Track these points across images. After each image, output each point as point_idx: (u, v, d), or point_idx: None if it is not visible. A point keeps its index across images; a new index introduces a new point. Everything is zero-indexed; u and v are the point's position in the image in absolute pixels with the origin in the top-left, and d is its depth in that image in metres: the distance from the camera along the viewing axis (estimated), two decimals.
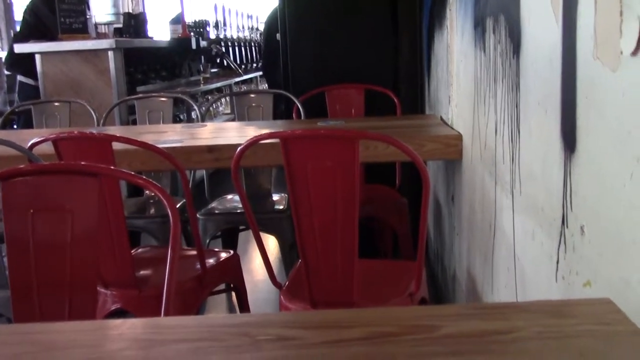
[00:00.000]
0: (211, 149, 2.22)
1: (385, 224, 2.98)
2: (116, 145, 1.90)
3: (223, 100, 6.16)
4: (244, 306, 2.27)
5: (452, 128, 2.43)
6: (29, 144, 1.97)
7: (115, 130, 2.96)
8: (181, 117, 4.70)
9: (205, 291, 2.10)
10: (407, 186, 2.99)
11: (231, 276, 2.24)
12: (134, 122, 4.13)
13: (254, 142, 1.72)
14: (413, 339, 0.69)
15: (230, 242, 3.09)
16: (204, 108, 4.02)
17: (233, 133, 2.84)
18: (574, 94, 1.05)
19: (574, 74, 1.06)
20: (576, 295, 1.02)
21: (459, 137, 2.26)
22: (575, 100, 1.05)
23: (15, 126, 4.53)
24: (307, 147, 1.64)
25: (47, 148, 1.95)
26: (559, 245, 1.10)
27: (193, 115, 4.65)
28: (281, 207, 2.86)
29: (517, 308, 0.77)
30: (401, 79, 3.51)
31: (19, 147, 1.89)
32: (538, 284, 1.27)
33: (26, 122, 4.06)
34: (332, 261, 1.70)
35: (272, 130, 2.48)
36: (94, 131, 2.51)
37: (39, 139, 1.95)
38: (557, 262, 1.12)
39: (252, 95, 3.33)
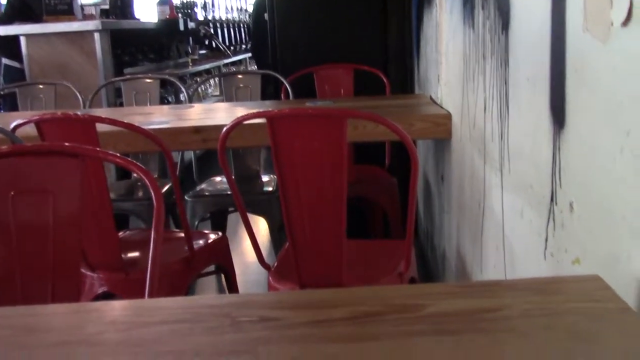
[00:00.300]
0: (198, 129, 2.19)
1: (375, 204, 2.96)
2: (101, 127, 1.87)
3: (212, 81, 6.11)
4: (232, 288, 2.26)
5: (442, 107, 2.41)
6: (12, 126, 1.94)
7: (101, 112, 2.92)
8: (169, 99, 4.65)
9: (193, 273, 2.08)
10: (397, 166, 2.97)
11: (220, 258, 2.22)
12: (121, 105, 4.08)
13: (239, 122, 1.70)
14: (398, 318, 0.67)
15: (220, 224, 3.07)
16: (192, 90, 3.98)
17: (221, 114, 2.81)
18: (564, 68, 1.03)
19: (563, 48, 1.04)
20: (565, 272, 1.01)
21: (448, 116, 2.24)
22: (565, 74, 1.03)
23: (0, 109, 4.47)
24: (293, 127, 1.61)
25: (31, 130, 1.91)
26: (548, 223, 1.09)
27: (181, 97, 4.60)
28: (270, 188, 2.83)
29: (505, 286, 0.75)
30: (390, 58, 3.48)
31: (0, 129, 1.85)
32: (527, 262, 1.26)
33: (11, 105, 4.00)
34: (320, 242, 1.69)
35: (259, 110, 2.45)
36: (79, 113, 2.47)
37: (22, 121, 1.92)
38: (546, 240, 1.11)
39: (240, 76, 3.29)
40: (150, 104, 3.21)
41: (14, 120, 1.98)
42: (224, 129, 1.70)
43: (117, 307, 0.79)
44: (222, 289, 2.88)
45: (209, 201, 2.77)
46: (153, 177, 1.23)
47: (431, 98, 2.71)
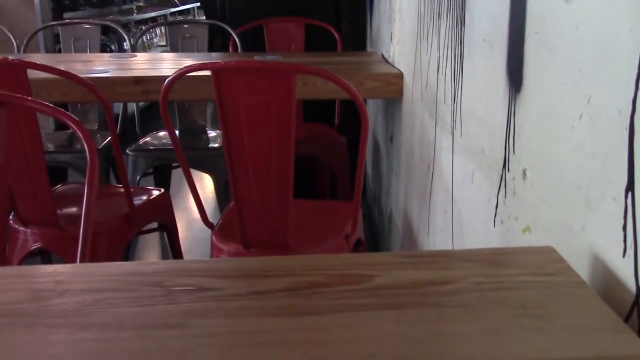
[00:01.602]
0: (138, 80, 2.08)
1: (323, 163, 2.92)
2: (35, 74, 1.75)
3: (158, 31, 5.89)
4: (175, 246, 2.19)
5: (393, 66, 2.36)
6: None
7: (37, 57, 2.75)
8: (112, 47, 4.46)
9: (133, 231, 2.00)
10: (346, 125, 2.92)
11: (162, 215, 2.14)
12: (59, 51, 3.88)
13: (182, 74, 1.61)
14: (342, 290, 0.63)
15: (163, 180, 2.98)
16: (135, 38, 3.80)
17: (165, 65, 2.68)
18: (523, 29, 0.99)
19: (523, 7, 0.99)
20: (515, 240, 0.99)
21: (399, 76, 2.19)
22: (524, 35, 0.99)
23: None
24: (240, 80, 1.54)
25: None
26: (499, 189, 1.06)
27: (125, 46, 4.41)
28: (216, 144, 2.75)
29: (456, 256, 0.71)
30: (342, 14, 3.39)
31: None
32: (475, 228, 1.24)
33: None
34: (265, 201, 1.63)
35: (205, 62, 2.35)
36: (11, 57, 2.31)
37: None
38: (496, 207, 1.08)
39: (186, 26, 3.15)
40: (90, 52, 3.05)
41: None
42: (167, 80, 1.61)
43: (36, 273, 0.72)
44: (165, 246, 2.81)
45: (152, 155, 2.66)
46: (85, 127, 1.14)
47: (383, 56, 2.65)
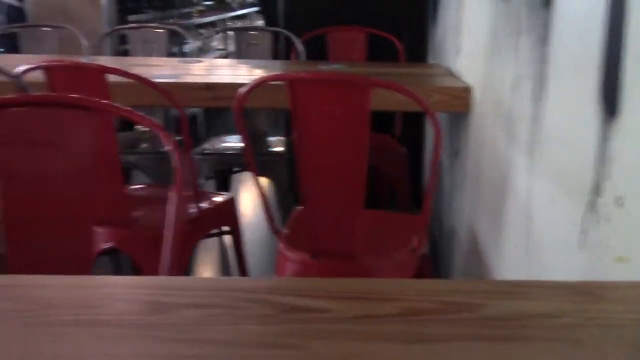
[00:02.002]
0: (210, 86, 2.12)
1: (383, 173, 2.91)
2: (110, 78, 1.80)
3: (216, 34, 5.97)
4: (238, 251, 2.22)
5: (460, 80, 2.34)
6: (20, 70, 1.86)
7: (107, 61, 2.82)
8: (173, 50, 4.54)
9: (200, 234, 2.03)
10: (407, 136, 2.92)
11: (227, 219, 2.17)
12: (124, 53, 3.97)
13: (260, 84, 1.63)
14: (452, 318, 0.63)
15: (223, 184, 3.02)
16: (200, 43, 3.87)
17: (232, 71, 2.72)
18: (620, 53, 0.97)
19: (620, 27, 0.97)
20: (603, 268, 0.97)
21: (467, 90, 2.17)
22: (621, 60, 0.97)
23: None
24: (315, 91, 1.55)
25: (36, 76, 1.83)
26: (588, 214, 1.04)
27: (185, 49, 4.49)
28: (277, 149, 2.77)
29: (563, 287, 0.70)
30: (405, 24, 3.38)
31: (9, 72, 1.77)
32: (555, 251, 1.22)
33: (10, 46, 3.88)
34: (335, 211, 1.64)
35: (272, 70, 2.38)
36: (85, 60, 2.38)
37: (30, 66, 1.84)
38: (583, 232, 1.06)
39: (252, 33, 3.18)
40: (156, 55, 3.11)
41: (17, 62, 1.90)
42: (244, 88, 1.64)
43: (138, 284, 0.74)
44: (224, 249, 2.84)
45: (215, 159, 2.70)
46: (174, 139, 1.17)
47: (448, 69, 2.63)
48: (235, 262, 2.27)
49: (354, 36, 3.12)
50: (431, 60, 3.23)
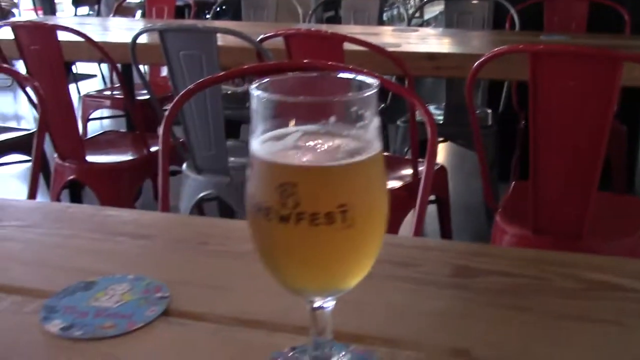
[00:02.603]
0: (432, 56, 2.13)
1: None
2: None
3: (412, 2, 5.96)
4: (446, 220, 2.24)
5: None
6: (259, 37, 2.00)
7: (326, 28, 2.93)
8: (384, 17, 4.60)
9: (413, 202, 2.07)
10: (627, 114, 2.72)
11: (438, 188, 2.19)
12: (328, 20, 4.10)
13: (497, 55, 1.61)
14: None
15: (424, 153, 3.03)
16: (411, 11, 3.88)
17: (450, 40, 2.68)
18: None
19: None
20: None
21: None
22: None
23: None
24: (559, 65, 1.50)
25: (272, 42, 1.96)
26: None
27: (384, 17, 4.52)
28: (486, 122, 2.73)
29: None
30: None
31: (251, 40, 1.91)
32: None
33: (234, 14, 4.16)
34: (567, 190, 1.59)
35: (492, 41, 2.33)
36: (306, 28, 2.50)
37: (269, 34, 1.97)
38: None
39: (466, 2, 3.13)
40: (368, 23, 3.18)
41: (253, 30, 2.04)
42: (479, 60, 1.62)
43: (450, 248, 0.78)
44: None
45: (422, 128, 2.71)
46: (429, 110, 1.21)
47: None
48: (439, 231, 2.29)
49: (574, 5, 2.95)
50: None
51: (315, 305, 0.51)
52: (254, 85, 0.45)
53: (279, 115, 0.44)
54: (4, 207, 0.91)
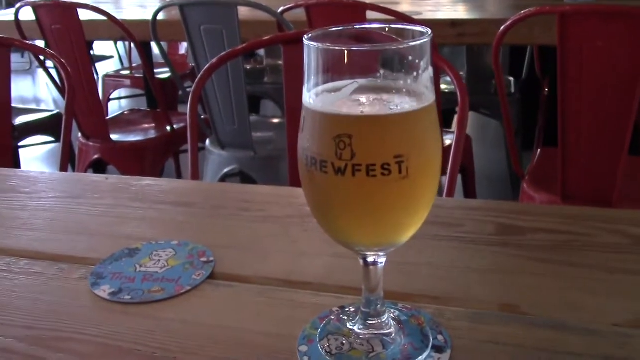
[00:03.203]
0: (455, 23, 2.10)
1: None
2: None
3: None
4: (469, 189, 2.23)
5: None
6: (280, 9, 1.98)
7: None
8: None
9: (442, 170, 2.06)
10: None
11: (463, 156, 2.17)
12: None
13: (523, 18, 1.58)
14: None
15: (447, 122, 3.01)
16: None
17: (470, 6, 2.64)
18: None
19: None
20: None
21: None
22: None
23: None
24: (588, 25, 1.47)
25: (292, 15, 1.95)
26: None
27: None
28: (509, 91, 2.70)
29: None
30: None
31: (272, 11, 1.90)
32: None
33: None
34: (597, 155, 1.57)
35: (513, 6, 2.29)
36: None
37: (290, 5, 1.95)
38: None
39: None
40: None
41: (277, 4, 2.02)
42: (504, 25, 1.60)
43: (495, 208, 0.77)
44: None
45: (444, 99, 2.69)
46: (462, 80, 1.20)
47: None
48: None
49: None
50: None
51: (369, 260, 0.50)
52: (307, 36, 0.44)
53: (334, 66, 0.44)
54: (42, 180, 0.92)
